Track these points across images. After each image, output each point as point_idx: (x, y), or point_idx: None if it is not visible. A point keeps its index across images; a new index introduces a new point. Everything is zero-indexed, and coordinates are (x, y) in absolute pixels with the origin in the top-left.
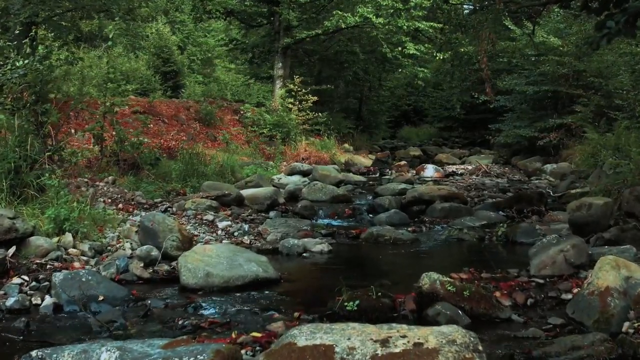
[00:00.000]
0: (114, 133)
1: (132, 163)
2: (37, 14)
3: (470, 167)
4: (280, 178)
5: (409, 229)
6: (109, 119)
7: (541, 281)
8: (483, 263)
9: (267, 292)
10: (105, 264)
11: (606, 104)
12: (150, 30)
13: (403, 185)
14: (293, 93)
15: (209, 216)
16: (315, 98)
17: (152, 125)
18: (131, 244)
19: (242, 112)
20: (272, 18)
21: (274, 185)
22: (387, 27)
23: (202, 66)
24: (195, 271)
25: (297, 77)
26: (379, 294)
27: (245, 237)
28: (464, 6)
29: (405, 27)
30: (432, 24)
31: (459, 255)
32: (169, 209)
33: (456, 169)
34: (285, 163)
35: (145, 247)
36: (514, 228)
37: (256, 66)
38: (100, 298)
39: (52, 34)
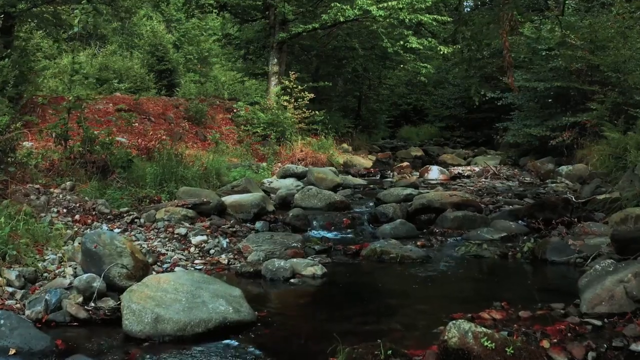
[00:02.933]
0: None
1: (101, 165)
2: (14, 4)
3: (477, 169)
4: (272, 182)
5: (418, 243)
6: (76, 116)
7: (598, 322)
8: (514, 291)
9: (236, 342)
10: (32, 299)
11: (624, 100)
12: (145, 28)
13: (408, 190)
14: (288, 90)
15: (182, 229)
16: (312, 95)
17: (137, 124)
18: (75, 269)
19: (235, 110)
20: (267, 12)
21: (264, 190)
22: (388, 20)
23: (199, 65)
24: (141, 314)
25: (292, 72)
26: (389, 352)
27: (223, 256)
28: (465, 3)
29: (407, 20)
30: (435, 16)
31: (481, 279)
32: (136, 220)
33: (462, 170)
34: (280, 164)
35: (85, 276)
36: (542, 243)
37: (251, 62)
38: (12, 352)
39: (37, 28)
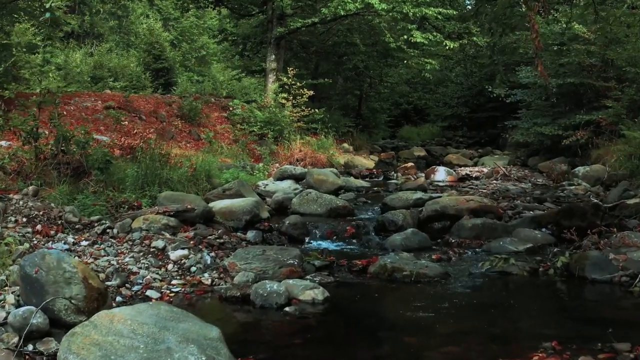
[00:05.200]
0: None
1: (76, 167)
2: None
3: (485, 170)
4: (267, 184)
5: (433, 256)
6: (50, 111)
7: None
8: (560, 323)
9: None
10: None
11: None
12: (141, 27)
13: (418, 195)
14: (287, 87)
15: (160, 241)
16: (311, 92)
17: (126, 122)
18: (18, 297)
19: (231, 109)
20: (264, 6)
21: (258, 194)
22: (390, 14)
23: (197, 64)
24: None
25: (290, 68)
26: None
27: (206, 275)
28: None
29: (411, 13)
30: (440, 10)
31: (515, 305)
32: (108, 230)
33: (470, 171)
34: (277, 165)
35: (22, 310)
36: (579, 258)
37: (248, 59)
38: None
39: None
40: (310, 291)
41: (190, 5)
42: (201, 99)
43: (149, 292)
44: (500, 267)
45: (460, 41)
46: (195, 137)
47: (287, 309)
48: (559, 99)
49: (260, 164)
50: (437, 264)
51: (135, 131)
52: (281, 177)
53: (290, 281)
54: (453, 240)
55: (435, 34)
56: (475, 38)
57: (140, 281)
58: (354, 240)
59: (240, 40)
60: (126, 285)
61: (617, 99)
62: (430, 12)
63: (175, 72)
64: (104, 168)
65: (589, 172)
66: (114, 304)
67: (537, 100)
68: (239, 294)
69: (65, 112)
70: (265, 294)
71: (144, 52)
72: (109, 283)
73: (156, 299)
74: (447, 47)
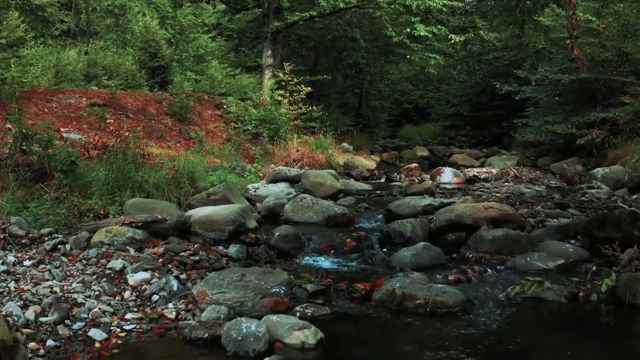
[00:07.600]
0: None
1: (38, 169)
2: None
3: (494, 171)
4: (258, 188)
5: (450, 276)
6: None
7: None
8: None
9: None
10: None
11: None
12: (137, 25)
13: (427, 200)
14: (284, 84)
15: (118, 261)
16: (309, 89)
17: (111, 120)
18: None
19: (225, 106)
20: None
21: (247, 199)
22: (392, 6)
23: (195, 63)
24: None
25: (287, 64)
26: None
27: (171, 305)
28: None
29: (414, 6)
30: (444, 2)
31: (556, 344)
32: (60, 245)
33: (478, 172)
34: (273, 166)
35: None
36: (629, 280)
37: (243, 55)
38: None
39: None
40: (299, 332)
41: (186, 2)
42: (193, 96)
43: (92, 332)
44: (534, 292)
45: (466, 35)
46: (186, 136)
47: (267, 359)
48: (570, 95)
49: (252, 166)
50: (456, 288)
51: (111, 128)
52: (274, 180)
53: (274, 317)
54: (471, 255)
55: (439, 27)
56: (481, 32)
57: (85, 315)
58: (355, 255)
59: (235, 35)
60: (66, 321)
61: (635, 95)
62: (434, 5)
63: (171, 71)
64: (69, 170)
65: (609, 174)
66: (41, 351)
67: (547, 97)
68: (207, 335)
69: (46, 110)
70: (239, 338)
71: (139, 50)
72: (43, 319)
73: (101, 342)
74: (452, 42)
